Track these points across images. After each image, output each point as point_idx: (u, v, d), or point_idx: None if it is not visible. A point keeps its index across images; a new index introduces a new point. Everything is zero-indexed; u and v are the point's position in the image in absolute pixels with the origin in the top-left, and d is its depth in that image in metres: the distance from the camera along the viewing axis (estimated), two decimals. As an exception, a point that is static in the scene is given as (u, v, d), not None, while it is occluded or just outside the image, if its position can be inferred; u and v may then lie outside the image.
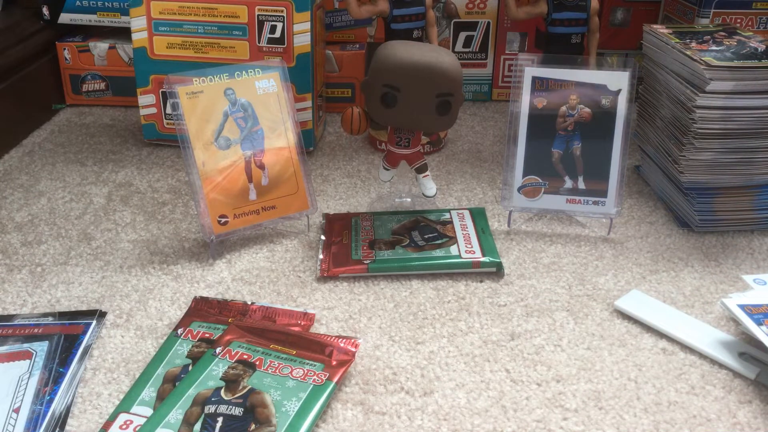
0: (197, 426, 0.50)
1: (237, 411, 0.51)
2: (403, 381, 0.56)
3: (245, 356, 0.56)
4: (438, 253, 0.70)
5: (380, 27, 1.08)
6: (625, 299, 0.65)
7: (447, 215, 0.77)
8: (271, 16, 0.89)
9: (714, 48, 0.78)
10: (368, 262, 0.69)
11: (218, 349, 0.56)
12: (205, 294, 0.66)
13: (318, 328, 0.62)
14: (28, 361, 0.56)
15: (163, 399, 0.52)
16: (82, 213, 0.80)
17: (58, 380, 0.54)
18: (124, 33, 1.06)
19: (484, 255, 0.70)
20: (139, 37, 0.91)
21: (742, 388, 0.56)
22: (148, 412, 0.52)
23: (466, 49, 1.12)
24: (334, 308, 0.65)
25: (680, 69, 0.77)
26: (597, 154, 0.75)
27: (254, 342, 0.57)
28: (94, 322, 0.61)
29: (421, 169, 0.78)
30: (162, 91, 0.94)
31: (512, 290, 0.67)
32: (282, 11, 0.88)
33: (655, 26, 0.86)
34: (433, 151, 0.97)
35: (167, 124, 0.96)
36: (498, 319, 0.63)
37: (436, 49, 0.72)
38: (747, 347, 0.59)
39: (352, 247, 0.72)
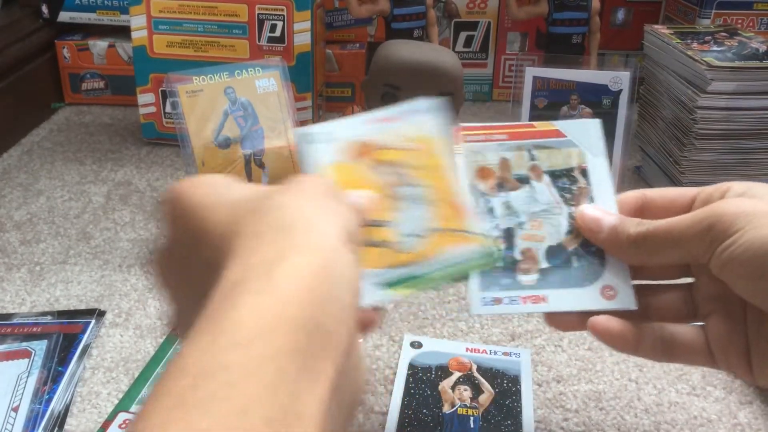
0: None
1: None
2: (403, 381, 0.56)
3: (245, 356, 0.55)
4: (438, 253, 0.70)
5: (380, 26, 1.08)
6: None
7: (447, 215, 0.77)
8: (271, 14, 0.89)
9: (715, 48, 0.78)
10: (368, 261, 0.69)
11: (218, 349, 0.56)
12: (204, 293, 0.66)
13: (318, 328, 0.62)
14: (26, 360, 0.56)
15: (162, 398, 0.52)
16: (81, 212, 0.80)
17: (57, 379, 0.54)
18: (124, 31, 1.06)
19: (484, 255, 0.70)
20: (138, 35, 0.91)
21: (742, 389, 0.55)
22: (148, 411, 0.51)
23: (467, 49, 1.12)
24: (334, 308, 0.64)
25: (681, 69, 0.77)
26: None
27: (254, 341, 0.57)
28: (93, 321, 0.61)
29: (422, 169, 0.78)
30: (161, 90, 0.94)
31: (513, 290, 0.67)
32: (282, 10, 0.88)
33: (656, 26, 0.86)
34: (433, 151, 0.96)
35: (167, 123, 0.96)
36: (498, 320, 0.63)
37: (437, 49, 0.72)
38: (748, 348, 0.59)
39: (352, 247, 0.71)
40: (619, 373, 0.57)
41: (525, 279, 0.44)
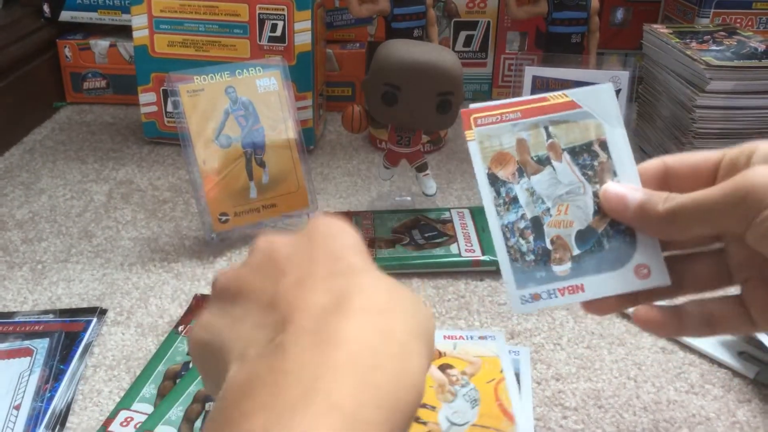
0: (198, 423, 0.50)
1: (237, 408, 0.51)
2: (403, 379, 0.56)
3: (246, 354, 0.56)
4: (438, 251, 0.71)
5: (380, 26, 1.08)
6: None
7: (447, 214, 0.77)
8: (271, 14, 0.89)
9: (714, 48, 0.78)
10: (368, 260, 0.69)
11: (219, 347, 0.57)
12: (205, 292, 0.66)
13: (318, 326, 0.62)
14: (28, 358, 0.56)
15: (163, 396, 0.52)
16: (82, 210, 0.80)
17: (58, 377, 0.54)
18: (125, 31, 1.06)
19: (484, 253, 0.70)
20: (140, 35, 0.91)
21: (741, 387, 0.56)
22: (149, 409, 0.52)
23: (467, 49, 1.12)
24: (335, 306, 0.65)
25: (680, 69, 0.78)
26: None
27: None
28: (95, 319, 0.61)
29: (422, 168, 0.78)
30: (163, 89, 0.94)
31: (512, 289, 0.67)
32: (283, 10, 0.88)
33: (655, 26, 0.86)
34: (434, 150, 0.97)
35: (168, 122, 0.96)
36: (498, 318, 0.63)
37: (437, 48, 0.72)
38: (746, 346, 0.59)
39: (353, 246, 0.72)
40: (617, 371, 0.57)
41: (559, 269, 0.43)
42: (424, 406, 0.50)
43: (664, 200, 0.39)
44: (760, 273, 0.40)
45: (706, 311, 0.42)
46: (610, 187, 0.42)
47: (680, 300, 0.43)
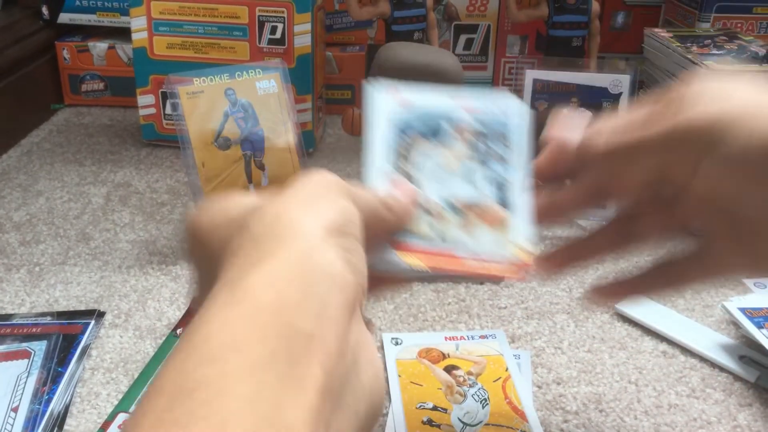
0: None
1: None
2: (403, 383, 0.56)
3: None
4: (438, 254, 0.70)
5: (380, 29, 1.08)
6: (626, 302, 0.65)
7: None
8: (271, 17, 0.89)
9: (715, 52, 0.78)
10: (368, 263, 0.69)
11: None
12: (204, 294, 0.66)
13: (318, 330, 0.62)
14: (26, 360, 0.56)
15: (162, 399, 0.52)
16: (80, 213, 0.80)
17: (56, 380, 0.54)
18: (124, 33, 1.06)
19: (484, 257, 0.70)
20: (138, 37, 0.91)
21: (742, 391, 0.56)
22: (147, 412, 0.51)
23: (467, 52, 1.12)
24: (334, 309, 0.64)
25: (681, 73, 0.77)
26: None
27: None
28: (93, 322, 0.61)
29: (422, 171, 0.78)
30: (161, 92, 0.94)
31: (512, 292, 0.67)
32: (283, 12, 0.88)
33: (656, 30, 0.86)
34: (433, 154, 0.96)
35: (166, 124, 0.96)
36: (498, 322, 0.63)
37: (438, 51, 0.72)
38: (747, 350, 0.59)
39: (352, 249, 0.71)
40: (618, 375, 0.57)
41: None
42: (435, 408, 0.51)
43: (607, 136, 0.38)
44: (718, 217, 0.36)
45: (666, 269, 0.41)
46: (552, 131, 0.41)
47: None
